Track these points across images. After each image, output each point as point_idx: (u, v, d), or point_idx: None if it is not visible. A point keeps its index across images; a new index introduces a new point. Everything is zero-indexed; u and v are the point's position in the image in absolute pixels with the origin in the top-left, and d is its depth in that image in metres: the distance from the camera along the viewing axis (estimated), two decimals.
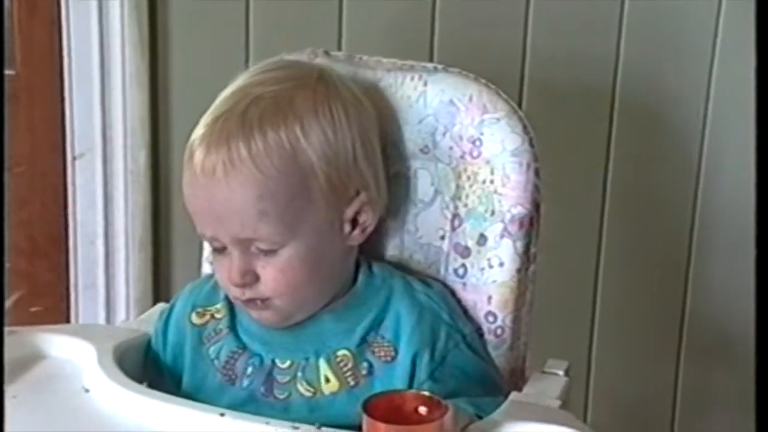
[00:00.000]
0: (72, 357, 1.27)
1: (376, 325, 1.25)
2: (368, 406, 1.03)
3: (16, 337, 1.29)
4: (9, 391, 1.19)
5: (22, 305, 1.90)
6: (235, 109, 1.20)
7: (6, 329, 1.36)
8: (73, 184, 1.83)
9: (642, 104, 1.77)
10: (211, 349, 1.30)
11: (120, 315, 1.84)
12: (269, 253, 1.21)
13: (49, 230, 1.87)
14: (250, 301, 1.24)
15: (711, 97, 1.76)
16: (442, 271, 1.34)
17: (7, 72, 1.88)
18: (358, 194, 1.24)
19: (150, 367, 1.33)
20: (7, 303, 1.89)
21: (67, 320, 1.86)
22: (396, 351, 1.24)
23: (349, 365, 1.25)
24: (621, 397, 1.88)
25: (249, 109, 1.20)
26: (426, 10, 1.73)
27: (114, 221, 1.83)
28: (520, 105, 1.57)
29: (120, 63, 1.78)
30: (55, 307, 1.88)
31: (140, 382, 1.24)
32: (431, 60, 1.63)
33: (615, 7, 1.72)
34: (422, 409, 1.05)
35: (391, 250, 1.37)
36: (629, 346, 1.87)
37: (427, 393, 1.07)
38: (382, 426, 1.01)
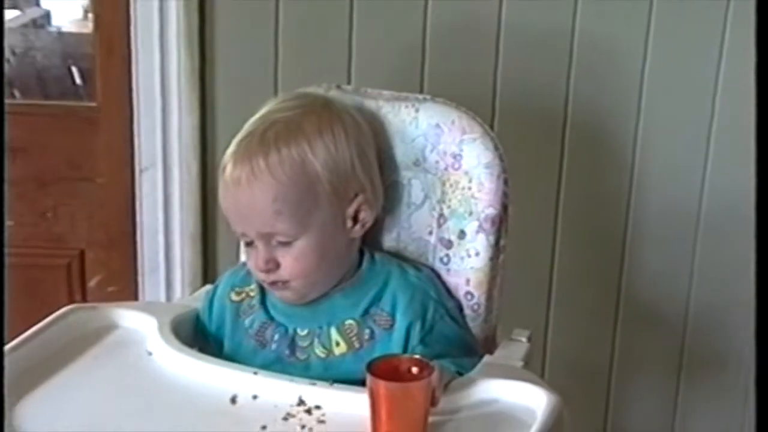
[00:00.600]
0: (138, 327, 1.26)
1: (377, 300, 1.24)
2: (371, 367, 1.02)
3: (97, 312, 1.28)
4: (91, 352, 1.21)
5: (101, 286, 1.89)
6: (256, 132, 1.20)
7: (89, 305, 1.37)
8: (140, 191, 1.82)
9: (587, 123, 1.75)
10: (246, 320, 1.29)
11: (176, 294, 1.83)
12: (286, 244, 1.20)
13: (122, 227, 1.85)
14: (273, 284, 1.23)
15: (641, 117, 1.75)
16: (430, 259, 1.32)
17: (90, 104, 1.88)
18: (356, 196, 1.23)
19: (199, 335, 1.32)
20: (91, 283, 1.89)
21: (136, 298, 1.85)
22: (393, 321, 1.23)
23: (355, 332, 1.23)
24: (570, 357, 1.87)
25: (267, 131, 1.19)
26: (417, 52, 1.71)
27: (172, 220, 1.82)
28: (492, 127, 1.56)
29: (177, 96, 1.76)
30: (126, 287, 1.86)
31: (191, 346, 1.23)
32: (421, 91, 1.61)
33: (565, 47, 1.71)
34: (414, 370, 1.04)
35: (390, 242, 1.35)
36: (577, 318, 1.86)
37: (418, 356, 1.06)
38: (382, 383, 1.01)
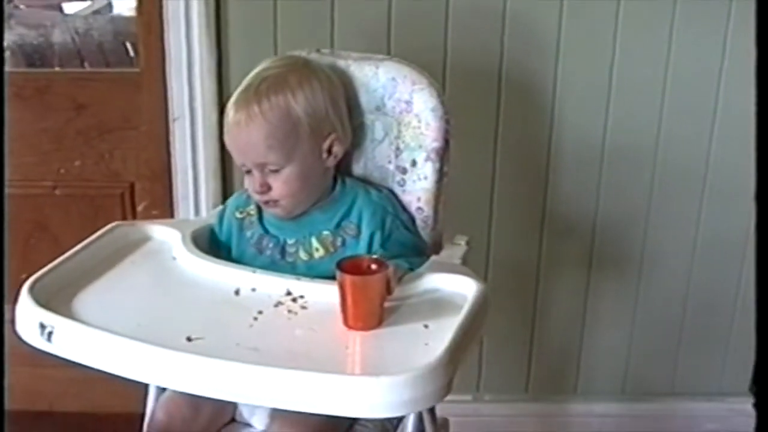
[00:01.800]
0: (166, 238, 1.25)
1: (347, 215, 1.22)
2: (340, 264, 1.01)
3: (135, 227, 1.28)
4: (129, 258, 1.21)
5: (146, 210, 1.87)
6: (252, 86, 1.18)
7: (129, 222, 1.35)
8: (174, 136, 1.78)
9: (517, 79, 1.71)
10: (248, 233, 1.27)
11: (203, 214, 1.79)
12: (276, 171, 1.18)
13: (161, 164, 1.82)
14: (266, 203, 1.22)
15: (558, 73, 1.71)
16: (390, 182, 1.30)
17: (134, 69, 1.83)
18: (330, 134, 1.21)
19: (212, 244, 1.30)
20: (139, 208, 1.87)
21: (172, 218, 1.82)
22: (359, 231, 1.21)
23: (330, 240, 1.22)
24: (507, 258, 1.85)
25: (260, 85, 1.17)
26: (384, 23, 1.66)
27: (198, 159, 1.78)
28: (444, 81, 1.52)
29: (199, 63, 1.71)
30: (165, 210, 1.84)
31: (206, 252, 1.22)
32: (389, 53, 1.56)
33: (499, 20, 1.66)
34: (373, 266, 1.03)
35: (358, 170, 1.32)
36: (512, 227, 1.83)
37: (376, 257, 1.06)
38: (347, 276, 1.00)
